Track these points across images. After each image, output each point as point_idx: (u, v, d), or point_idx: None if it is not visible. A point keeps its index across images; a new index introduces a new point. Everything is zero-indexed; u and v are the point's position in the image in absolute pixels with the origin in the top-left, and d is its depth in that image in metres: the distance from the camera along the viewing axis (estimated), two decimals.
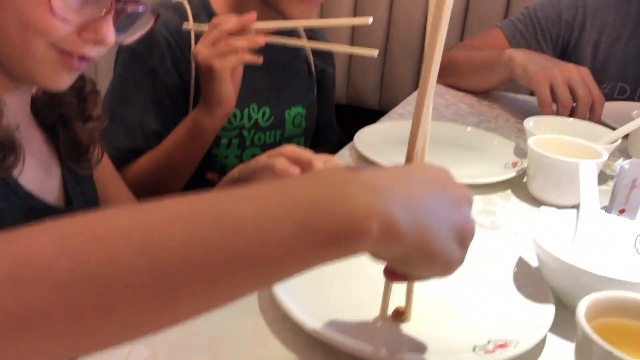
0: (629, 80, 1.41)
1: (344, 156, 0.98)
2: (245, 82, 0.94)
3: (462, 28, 2.17)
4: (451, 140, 1.04)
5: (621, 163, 0.69)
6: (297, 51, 1.15)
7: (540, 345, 0.56)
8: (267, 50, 0.89)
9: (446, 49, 1.54)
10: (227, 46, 0.87)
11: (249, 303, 0.59)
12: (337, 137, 1.30)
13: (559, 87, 1.14)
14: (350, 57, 2.37)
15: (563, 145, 0.88)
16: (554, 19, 1.42)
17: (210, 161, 1.06)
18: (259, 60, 0.89)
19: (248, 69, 0.92)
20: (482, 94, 1.39)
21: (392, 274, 0.47)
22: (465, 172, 0.93)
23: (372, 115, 1.20)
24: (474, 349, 0.53)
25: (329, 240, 0.36)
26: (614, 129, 1.00)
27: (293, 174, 0.67)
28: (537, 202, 0.86)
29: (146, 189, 0.97)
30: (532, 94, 1.27)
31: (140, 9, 0.66)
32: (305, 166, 0.69)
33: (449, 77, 1.41)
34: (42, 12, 0.57)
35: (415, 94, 1.31)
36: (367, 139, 0.99)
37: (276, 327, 0.56)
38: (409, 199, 0.39)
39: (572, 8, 1.41)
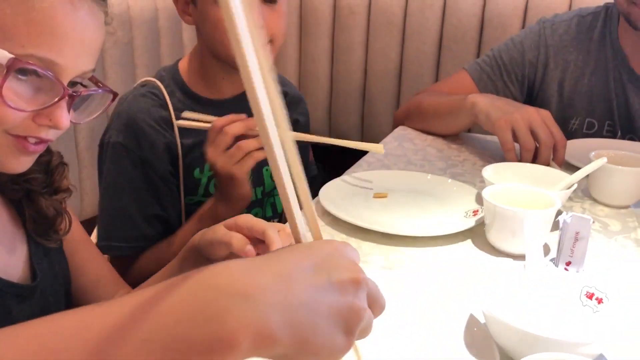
0: (596, 115, 1.45)
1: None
2: None
3: (436, 68, 2.22)
4: (412, 187, 1.06)
5: (564, 217, 0.71)
6: None
7: None
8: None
9: (415, 93, 1.59)
10: (242, 151, 0.95)
11: None
12: (320, 177, 1.32)
13: (521, 130, 1.17)
14: (330, 98, 2.42)
15: (521, 194, 0.90)
16: (517, 60, 1.46)
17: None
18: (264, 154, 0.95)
19: None
20: (452, 136, 1.42)
21: None
22: (425, 222, 0.95)
23: (354, 153, 1.21)
24: None
25: (199, 355, 0.37)
26: (578, 168, 1.01)
27: (249, 254, 0.68)
28: (496, 251, 0.88)
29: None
30: None
31: (95, 91, 0.69)
32: (259, 236, 0.71)
33: (417, 122, 1.45)
34: None
35: (385, 139, 1.35)
36: (332, 193, 1.01)
37: None
38: (284, 300, 0.39)
39: (535, 48, 1.46)
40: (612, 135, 1.44)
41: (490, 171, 1.02)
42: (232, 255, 0.69)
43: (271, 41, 1.01)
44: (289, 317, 0.39)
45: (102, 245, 1.04)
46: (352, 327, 0.42)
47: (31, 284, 0.74)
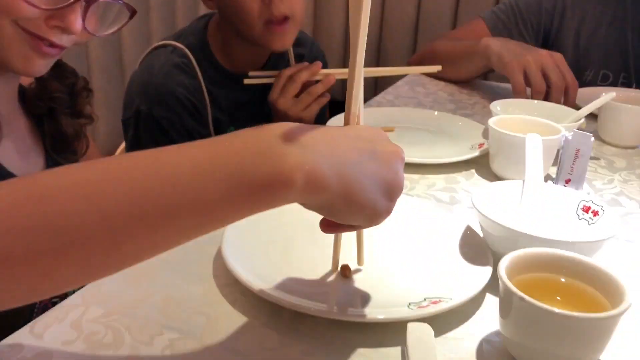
0: (611, 67, 1.43)
1: None
2: None
3: (454, 18, 2.20)
4: (419, 124, 1.07)
5: (565, 134, 0.72)
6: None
7: (477, 303, 0.59)
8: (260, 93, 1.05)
9: (431, 40, 1.58)
10: (312, 96, 1.04)
11: (202, 269, 0.62)
12: None
13: (532, 73, 1.16)
14: (345, 52, 2.40)
15: (526, 125, 0.90)
16: (534, 8, 1.45)
17: None
18: (328, 97, 1.08)
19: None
20: (464, 83, 1.41)
21: (326, 226, 0.51)
22: (432, 153, 0.96)
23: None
24: (408, 305, 0.56)
25: (257, 190, 0.40)
26: None
27: None
28: (499, 179, 0.88)
29: None
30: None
31: (112, 1, 0.69)
32: None
33: None
34: None
35: (397, 83, 1.35)
36: (339, 124, 1.02)
37: (227, 290, 0.60)
38: (335, 154, 0.43)
39: None
40: (628, 87, 1.42)
41: (499, 106, 1.02)
42: None
43: (291, 18, 1.02)
44: (338, 169, 0.43)
45: None
46: (393, 193, 0.47)
47: None
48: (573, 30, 1.44)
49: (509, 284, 0.48)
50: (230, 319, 0.55)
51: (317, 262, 0.63)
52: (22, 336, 0.52)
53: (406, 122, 1.07)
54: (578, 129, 1.05)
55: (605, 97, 0.97)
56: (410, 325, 0.50)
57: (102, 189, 0.39)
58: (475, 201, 0.66)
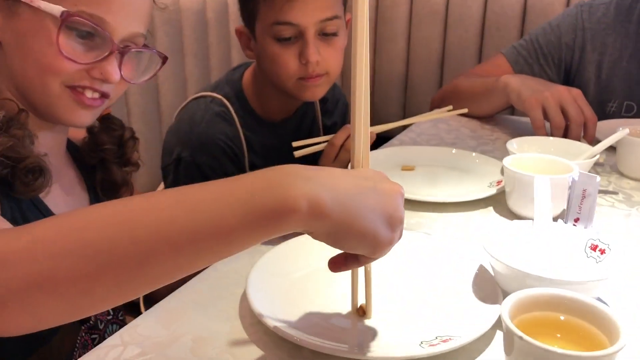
0: (635, 98, 1.44)
1: None
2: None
3: (479, 53, 2.24)
4: (439, 162, 1.11)
5: (572, 175, 0.75)
6: (311, 127, 1.29)
7: (487, 340, 0.62)
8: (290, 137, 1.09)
9: (451, 78, 1.62)
10: (347, 152, 1.09)
11: (230, 309, 0.67)
12: None
13: (551, 108, 1.19)
14: (373, 88, 2.47)
15: (542, 163, 0.94)
16: (554, 43, 1.48)
17: None
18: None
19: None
20: (486, 118, 1.45)
21: (333, 264, 0.56)
22: (450, 191, 1.00)
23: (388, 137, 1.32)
24: (420, 343, 0.60)
25: (267, 216, 0.46)
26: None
27: None
28: (515, 217, 0.91)
29: None
30: None
31: (144, 50, 0.77)
32: None
33: (453, 104, 1.47)
34: (54, 56, 0.69)
35: (416, 121, 1.39)
36: None
37: (251, 329, 0.64)
38: (336, 187, 0.49)
39: (572, 32, 1.47)
40: None
41: (515, 144, 1.05)
42: None
43: (327, 74, 1.08)
44: (339, 198, 0.48)
45: None
46: (395, 225, 0.51)
47: None
48: (594, 63, 1.46)
49: (509, 323, 0.51)
50: (254, 358, 0.60)
51: (335, 302, 0.67)
52: None
53: (426, 161, 1.12)
54: (596, 164, 1.07)
55: (619, 133, 0.99)
56: None
57: (133, 218, 0.45)
58: (486, 242, 0.69)
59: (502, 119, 1.46)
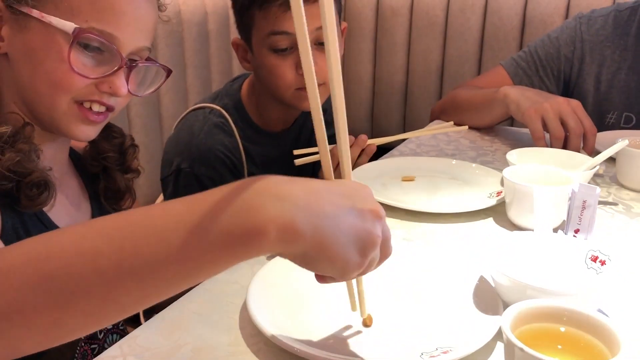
0: (634, 109, 1.45)
1: None
2: None
3: (478, 64, 2.25)
4: (439, 173, 1.11)
5: (572, 186, 0.75)
6: (310, 137, 1.29)
7: (488, 351, 0.62)
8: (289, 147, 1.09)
9: (451, 89, 1.63)
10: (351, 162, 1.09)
11: (230, 320, 0.67)
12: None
13: (550, 119, 1.20)
14: (373, 99, 2.48)
15: (542, 174, 0.94)
16: (553, 55, 1.49)
17: None
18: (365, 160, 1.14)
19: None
20: (486, 129, 1.45)
21: (320, 278, 0.55)
22: (450, 202, 1.00)
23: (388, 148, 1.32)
24: (421, 355, 0.59)
25: (234, 241, 0.44)
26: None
27: None
28: (516, 228, 0.91)
29: None
30: None
31: (150, 65, 0.78)
32: None
33: (452, 115, 1.48)
34: (65, 71, 0.70)
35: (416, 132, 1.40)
36: (361, 175, 1.07)
37: (251, 340, 0.64)
38: (311, 207, 0.46)
39: (570, 44, 1.48)
40: None
41: (515, 155, 1.05)
42: None
43: (324, 83, 1.09)
44: (313, 221, 0.46)
45: None
46: (366, 250, 0.49)
47: None
48: (593, 75, 1.47)
49: (510, 335, 0.51)
50: None
51: (336, 313, 0.67)
52: None
53: (426, 172, 1.12)
54: (596, 175, 1.07)
55: (619, 144, 0.99)
56: None
57: (96, 247, 0.44)
58: (487, 252, 0.69)
59: (501, 130, 1.46)
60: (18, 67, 0.72)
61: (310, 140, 1.28)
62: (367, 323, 0.66)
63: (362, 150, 1.14)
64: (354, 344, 0.63)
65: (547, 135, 1.21)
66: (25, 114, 0.74)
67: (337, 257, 0.47)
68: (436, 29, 2.25)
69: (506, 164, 1.20)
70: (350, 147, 1.14)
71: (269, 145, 1.20)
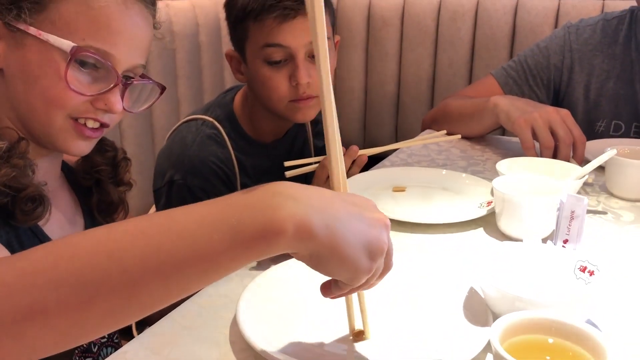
0: (623, 117, 1.46)
1: None
2: None
3: (469, 73, 2.26)
4: (429, 183, 1.12)
5: (560, 197, 0.75)
6: (303, 148, 1.29)
7: None
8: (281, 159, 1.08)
9: (442, 98, 1.64)
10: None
11: (220, 335, 0.67)
12: None
13: (540, 129, 1.20)
14: (365, 109, 2.48)
15: (531, 184, 0.94)
16: (543, 64, 1.50)
17: None
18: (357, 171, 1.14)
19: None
20: (476, 139, 1.46)
21: (325, 289, 0.56)
22: (441, 212, 1.00)
23: (379, 158, 1.32)
24: None
25: (254, 238, 0.46)
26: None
27: None
28: (506, 238, 0.92)
29: None
30: None
31: (145, 82, 0.79)
32: None
33: (443, 125, 1.49)
34: (61, 89, 0.70)
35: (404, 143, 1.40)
36: (353, 186, 1.07)
37: (242, 355, 0.64)
38: (325, 210, 0.49)
39: (560, 53, 1.49)
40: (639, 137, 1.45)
41: (505, 165, 1.06)
42: None
43: (318, 95, 1.09)
44: (327, 222, 0.48)
45: None
46: (375, 255, 0.51)
47: None
48: (582, 83, 1.48)
49: (499, 348, 0.51)
50: None
51: (326, 327, 0.67)
52: None
53: (417, 182, 1.12)
54: (585, 184, 1.08)
55: (607, 153, 1.00)
56: None
57: (121, 247, 0.45)
58: (476, 263, 0.70)
59: (492, 140, 1.47)
60: (13, 83, 0.72)
61: (302, 152, 1.28)
62: (358, 337, 0.65)
63: (354, 161, 1.14)
64: (344, 358, 0.63)
65: (537, 145, 1.22)
66: (20, 130, 0.74)
67: (347, 258, 0.49)
68: (427, 38, 2.26)
69: (496, 173, 1.21)
70: None
71: (261, 157, 1.20)
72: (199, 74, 1.94)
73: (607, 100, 1.46)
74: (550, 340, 0.54)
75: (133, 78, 0.76)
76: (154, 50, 1.76)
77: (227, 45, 2.07)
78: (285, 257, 0.68)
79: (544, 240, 0.75)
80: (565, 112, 1.23)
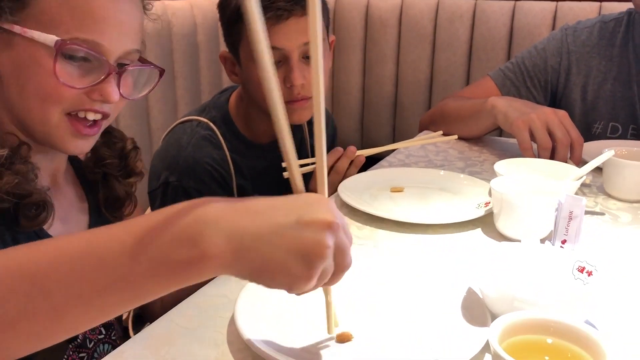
0: (620, 119, 1.46)
1: None
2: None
3: (467, 74, 2.27)
4: (427, 184, 1.12)
5: (559, 198, 0.75)
6: (299, 149, 1.29)
7: None
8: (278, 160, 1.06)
9: (440, 99, 1.64)
10: (339, 175, 1.10)
11: (217, 335, 0.67)
12: None
13: (537, 130, 1.20)
14: (363, 110, 2.48)
15: (529, 184, 0.94)
16: (540, 66, 1.50)
17: None
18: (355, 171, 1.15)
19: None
20: (474, 140, 1.46)
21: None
22: (438, 212, 1.00)
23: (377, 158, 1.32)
24: None
25: (178, 269, 0.47)
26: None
27: None
28: (504, 238, 0.91)
29: None
30: None
31: (141, 66, 0.77)
32: None
33: (441, 126, 1.49)
34: (53, 85, 0.69)
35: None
36: (351, 187, 1.07)
37: (239, 355, 0.64)
38: (245, 230, 0.48)
39: (557, 55, 1.49)
40: (637, 138, 1.45)
41: (503, 165, 1.06)
42: None
43: (311, 98, 1.09)
44: (248, 244, 0.47)
45: None
46: (311, 259, 0.49)
47: None
48: (579, 85, 1.48)
49: (497, 348, 0.51)
50: None
51: (325, 328, 0.67)
52: None
53: (415, 182, 1.12)
54: (583, 185, 1.08)
55: (605, 154, 1.00)
56: None
57: (44, 271, 0.46)
58: (474, 264, 0.69)
59: (490, 141, 1.47)
60: (7, 84, 0.71)
61: (299, 153, 1.28)
62: (342, 339, 0.65)
63: (352, 161, 1.14)
64: (342, 358, 0.63)
65: (535, 146, 1.22)
66: (20, 132, 0.73)
67: (275, 274, 0.49)
68: (425, 39, 2.27)
69: (494, 174, 1.21)
70: (339, 158, 1.14)
71: (257, 158, 1.20)
72: (196, 74, 1.93)
73: (604, 102, 1.46)
74: (549, 341, 0.54)
75: (127, 65, 0.75)
76: (151, 50, 1.76)
77: (225, 45, 2.07)
78: None
79: (542, 241, 0.75)
80: (562, 114, 1.23)
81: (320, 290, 0.57)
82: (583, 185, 1.10)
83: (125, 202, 0.88)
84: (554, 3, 2.09)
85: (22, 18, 0.68)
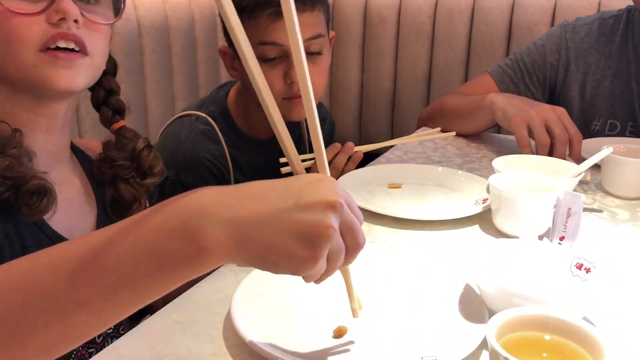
0: (618, 116, 1.46)
1: None
2: None
3: (465, 71, 2.26)
4: (425, 180, 1.11)
5: (557, 194, 0.75)
6: (298, 145, 1.28)
7: None
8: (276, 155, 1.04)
9: (438, 96, 1.63)
10: (337, 170, 1.09)
11: (213, 330, 0.66)
12: None
13: (536, 127, 1.20)
14: (361, 106, 2.48)
15: (527, 181, 0.94)
16: (539, 63, 1.50)
17: None
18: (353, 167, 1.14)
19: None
20: (472, 136, 1.45)
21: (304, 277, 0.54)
22: (436, 208, 1.00)
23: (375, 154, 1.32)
24: None
25: (180, 264, 0.46)
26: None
27: None
28: (502, 235, 0.91)
29: None
30: None
31: None
32: None
33: (439, 122, 1.48)
34: (11, 24, 0.67)
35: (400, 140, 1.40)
36: (348, 182, 1.07)
37: (235, 350, 0.63)
38: (242, 218, 0.47)
39: (556, 51, 1.49)
40: (635, 136, 1.45)
41: (501, 162, 1.06)
42: None
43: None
44: (246, 232, 0.47)
45: None
46: (315, 241, 0.47)
47: None
48: (578, 82, 1.48)
49: (495, 344, 0.51)
50: None
51: (321, 323, 0.66)
52: None
53: (413, 179, 1.12)
54: (581, 182, 1.08)
55: (603, 151, 1.00)
56: None
57: (46, 280, 0.46)
58: (472, 260, 0.69)
59: (488, 137, 1.47)
60: None
61: (297, 149, 1.27)
62: (339, 334, 0.65)
63: (349, 157, 1.14)
64: (339, 354, 0.63)
65: (533, 143, 1.22)
66: (8, 96, 0.71)
67: (279, 259, 0.48)
68: (423, 36, 2.26)
69: (492, 170, 1.21)
70: (337, 154, 1.13)
71: (255, 153, 1.19)
72: (194, 69, 1.93)
73: (603, 99, 1.46)
74: (547, 337, 0.54)
75: None
76: (148, 46, 1.75)
77: (223, 40, 2.06)
78: None
79: (540, 238, 0.75)
80: (561, 110, 1.23)
81: (319, 285, 0.57)
82: (581, 182, 1.10)
83: (132, 205, 0.86)
84: None
85: None
